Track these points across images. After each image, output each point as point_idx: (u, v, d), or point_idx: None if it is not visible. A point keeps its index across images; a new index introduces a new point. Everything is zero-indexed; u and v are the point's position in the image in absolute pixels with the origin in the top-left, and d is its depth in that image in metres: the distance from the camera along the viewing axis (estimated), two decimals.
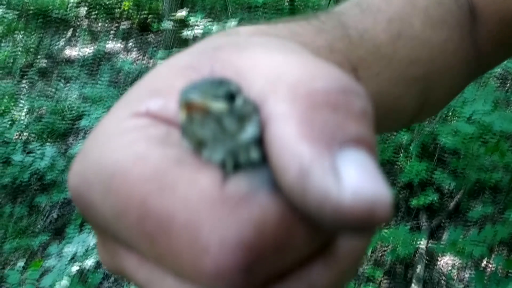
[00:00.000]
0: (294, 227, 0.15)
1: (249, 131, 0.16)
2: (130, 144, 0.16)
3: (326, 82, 0.15)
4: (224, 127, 0.16)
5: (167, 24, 2.73)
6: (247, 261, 0.14)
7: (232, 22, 2.12)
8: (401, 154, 3.15)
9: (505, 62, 3.64)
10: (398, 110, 0.41)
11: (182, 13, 2.18)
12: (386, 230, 2.54)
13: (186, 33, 2.29)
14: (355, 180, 0.14)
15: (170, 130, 0.17)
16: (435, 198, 2.83)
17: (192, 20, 2.24)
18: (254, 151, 0.16)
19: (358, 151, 0.15)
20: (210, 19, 2.29)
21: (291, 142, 0.14)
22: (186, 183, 0.15)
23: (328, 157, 0.14)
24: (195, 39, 2.51)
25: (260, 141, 0.16)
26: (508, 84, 4.71)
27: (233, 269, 0.14)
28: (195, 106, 0.15)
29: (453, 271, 2.46)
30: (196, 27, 2.20)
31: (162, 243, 0.15)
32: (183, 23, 2.87)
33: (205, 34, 2.14)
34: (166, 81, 0.19)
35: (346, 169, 0.14)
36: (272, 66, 0.17)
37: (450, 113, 3.19)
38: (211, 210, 0.14)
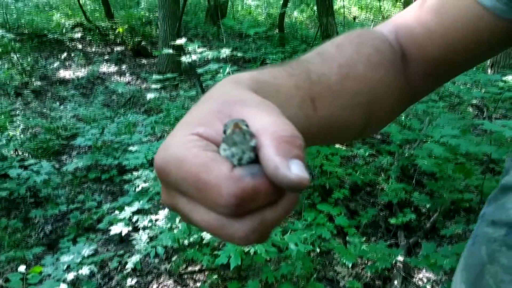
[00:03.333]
0: (259, 194, 0.31)
1: (253, 142, 0.32)
2: (190, 147, 0.32)
3: (286, 132, 0.32)
4: (245, 136, 0.32)
5: (167, 50, 2.91)
6: (238, 202, 0.30)
7: (226, 51, 2.34)
8: (382, 175, 3.33)
9: (482, 93, 3.87)
10: (347, 127, 0.58)
11: (181, 41, 2.39)
12: (366, 245, 2.69)
13: (185, 58, 2.50)
14: (295, 171, 0.30)
15: (208, 143, 0.33)
16: (412, 217, 3.01)
17: (190, 47, 2.46)
18: (252, 153, 0.32)
19: (297, 161, 0.31)
20: (205, 48, 2.50)
21: (271, 156, 0.30)
22: (216, 169, 0.31)
23: (286, 163, 0.30)
24: (191, 64, 2.69)
25: (254, 149, 0.33)
26: (485, 114, 4.98)
27: (232, 205, 0.30)
28: (238, 126, 0.33)
29: (427, 285, 2.61)
30: (193, 53, 2.41)
31: (204, 193, 0.31)
32: (179, 49, 3.06)
33: (202, 58, 2.37)
34: (207, 118, 0.35)
35: (293, 167, 0.30)
36: (263, 121, 0.33)
37: (429, 139, 3.40)
38: (225, 181, 0.30)
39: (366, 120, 0.59)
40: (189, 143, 0.33)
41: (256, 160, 0.32)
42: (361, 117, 0.58)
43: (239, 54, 3.03)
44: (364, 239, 2.87)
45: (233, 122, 0.32)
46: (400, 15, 0.66)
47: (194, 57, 2.38)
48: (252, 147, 0.32)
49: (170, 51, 2.82)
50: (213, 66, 2.69)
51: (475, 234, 0.61)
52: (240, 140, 0.32)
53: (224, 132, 0.33)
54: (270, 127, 0.32)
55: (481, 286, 0.54)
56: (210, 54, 2.35)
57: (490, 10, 0.55)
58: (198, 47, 2.38)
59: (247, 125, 0.33)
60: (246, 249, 1.62)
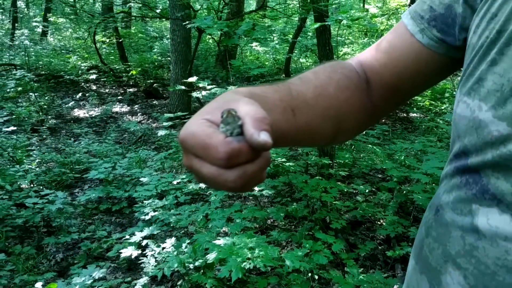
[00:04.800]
0: (242, 152, 0.46)
1: (240, 122, 0.50)
2: (200, 126, 0.51)
3: (259, 115, 0.48)
4: (234, 119, 0.50)
5: (180, 87, 3.16)
6: (228, 157, 0.45)
7: (233, 88, 2.56)
8: (380, 210, 3.46)
9: None
10: (320, 134, 0.76)
11: (193, 79, 2.64)
12: (363, 276, 2.80)
13: (195, 94, 2.76)
14: (263, 137, 0.45)
15: (212, 124, 0.49)
16: (409, 251, 3.12)
17: (200, 84, 2.71)
18: (239, 129, 0.50)
19: (265, 132, 0.46)
20: (214, 85, 2.74)
21: (249, 128, 0.46)
22: (215, 136, 0.49)
23: (258, 132, 0.45)
24: (200, 100, 2.90)
25: (241, 126, 0.51)
26: None
27: (225, 158, 0.45)
28: (230, 112, 0.51)
29: None
30: (203, 90, 2.66)
31: (208, 151, 0.49)
32: (190, 88, 3.31)
33: (211, 95, 2.61)
34: (212, 110, 0.51)
35: (261, 135, 0.45)
36: (246, 109, 0.49)
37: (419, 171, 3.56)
38: (221, 144, 0.46)
39: (335, 130, 0.77)
40: (200, 124, 0.51)
41: (242, 134, 0.49)
42: (331, 127, 0.75)
43: None
44: (361, 270, 2.98)
45: (227, 110, 0.50)
46: (367, 50, 0.86)
47: (204, 92, 2.63)
48: (239, 125, 0.49)
49: (183, 87, 3.07)
50: None
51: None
52: (231, 121, 0.49)
53: (222, 116, 0.50)
54: (250, 112, 0.50)
55: (421, 256, 0.69)
56: (218, 91, 2.59)
57: (426, 47, 0.73)
58: (208, 84, 2.63)
59: (236, 112, 0.50)
60: (247, 266, 1.76)
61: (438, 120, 6.20)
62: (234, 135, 0.48)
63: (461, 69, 0.70)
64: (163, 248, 2.83)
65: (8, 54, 10.29)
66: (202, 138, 0.49)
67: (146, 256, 2.72)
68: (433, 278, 0.64)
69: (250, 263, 1.74)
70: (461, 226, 0.59)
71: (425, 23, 0.72)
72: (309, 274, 2.66)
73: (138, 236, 2.61)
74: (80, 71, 9.63)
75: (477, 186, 0.58)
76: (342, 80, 0.76)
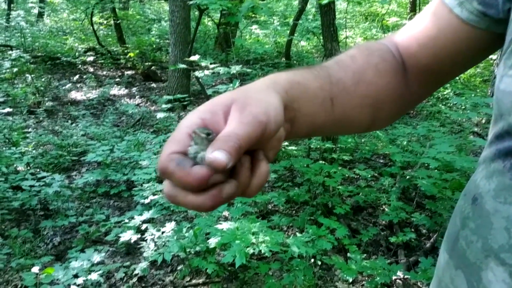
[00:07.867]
0: (202, 180, 0.44)
1: (207, 142, 0.45)
2: (177, 144, 0.47)
3: (225, 135, 0.46)
4: (203, 141, 0.46)
5: (181, 66, 3.08)
6: (196, 184, 0.43)
7: (236, 68, 2.49)
8: (383, 195, 3.41)
9: (476, 114, 3.99)
10: (357, 122, 0.71)
11: (195, 57, 2.56)
12: (367, 261, 2.76)
13: (198, 74, 2.67)
14: (213, 155, 0.43)
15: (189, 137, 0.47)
16: (412, 237, 3.08)
17: (203, 63, 2.62)
18: (205, 151, 0.44)
19: (220, 151, 0.44)
20: (218, 64, 2.66)
21: (208, 149, 0.44)
22: (180, 169, 0.44)
23: (211, 151, 0.44)
24: (200, 81, 2.80)
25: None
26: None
27: (190, 185, 0.44)
28: (196, 133, 0.47)
29: None
30: (205, 70, 2.58)
31: (177, 179, 0.44)
32: (190, 69, 3.22)
33: (213, 75, 2.53)
34: (212, 107, 0.50)
35: (214, 153, 0.44)
36: (228, 125, 0.47)
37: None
38: (186, 174, 0.43)
39: (372, 118, 0.72)
40: (181, 134, 0.48)
41: None
42: (368, 116, 0.71)
43: (248, 70, 3.18)
44: (364, 256, 2.94)
45: (194, 132, 0.47)
46: (400, 31, 0.78)
47: (206, 72, 2.54)
48: (206, 145, 0.46)
49: (184, 66, 2.98)
50: (222, 88, 2.83)
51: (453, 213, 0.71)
52: (199, 142, 0.47)
53: (192, 137, 0.47)
54: (224, 130, 0.47)
55: (456, 249, 0.63)
56: (221, 70, 2.51)
57: (466, 22, 0.66)
58: (211, 63, 2.54)
59: (208, 133, 0.47)
60: (251, 251, 1.71)
61: (440, 105, 6.13)
62: (198, 159, 0.46)
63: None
64: (163, 232, 2.78)
65: (3, 36, 10.12)
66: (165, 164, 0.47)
67: (146, 241, 2.67)
68: (472, 274, 0.57)
69: (254, 248, 1.69)
70: (506, 216, 0.52)
71: None
72: (312, 260, 2.62)
73: (137, 220, 2.55)
74: (77, 53, 9.49)
75: None
76: (380, 64, 0.71)
